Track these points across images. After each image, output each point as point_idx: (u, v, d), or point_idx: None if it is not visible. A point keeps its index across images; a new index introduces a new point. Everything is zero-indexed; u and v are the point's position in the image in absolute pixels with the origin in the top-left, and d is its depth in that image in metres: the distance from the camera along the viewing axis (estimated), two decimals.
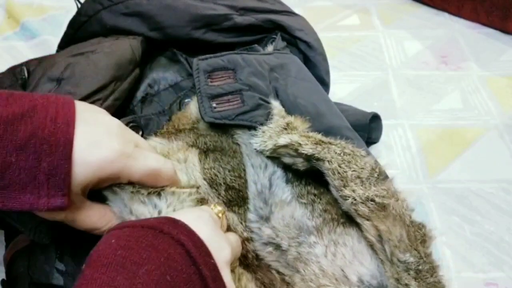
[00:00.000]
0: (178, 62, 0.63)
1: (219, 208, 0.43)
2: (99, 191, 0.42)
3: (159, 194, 0.43)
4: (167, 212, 0.42)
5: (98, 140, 0.38)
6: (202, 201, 0.46)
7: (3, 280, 0.48)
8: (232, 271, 0.41)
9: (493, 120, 0.74)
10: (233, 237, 0.43)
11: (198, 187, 0.47)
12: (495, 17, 0.92)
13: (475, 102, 0.78)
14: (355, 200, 0.43)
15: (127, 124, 0.53)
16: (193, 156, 0.48)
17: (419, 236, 0.42)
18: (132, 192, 0.42)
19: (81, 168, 0.37)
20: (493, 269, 0.55)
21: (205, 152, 0.50)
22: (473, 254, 0.57)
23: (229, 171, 0.48)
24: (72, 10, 0.70)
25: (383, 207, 0.43)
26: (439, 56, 0.88)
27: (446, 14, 0.99)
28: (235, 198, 0.47)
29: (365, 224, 0.43)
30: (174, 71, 0.63)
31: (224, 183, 0.47)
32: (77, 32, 0.64)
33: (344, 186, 0.44)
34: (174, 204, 0.43)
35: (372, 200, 0.43)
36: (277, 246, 0.46)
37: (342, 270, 0.43)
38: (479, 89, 0.80)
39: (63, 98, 0.39)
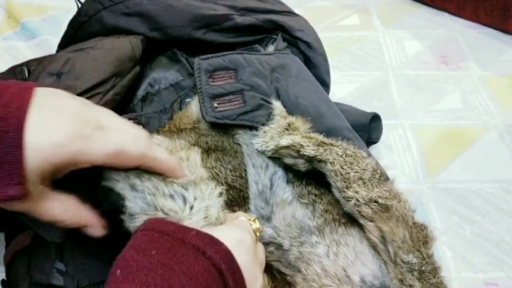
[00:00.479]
0: (178, 62, 0.64)
1: (258, 225, 0.42)
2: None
3: (182, 187, 0.41)
4: (199, 208, 0.40)
5: (50, 124, 0.36)
6: (230, 205, 0.46)
7: (3, 280, 0.48)
8: None
9: (493, 120, 0.74)
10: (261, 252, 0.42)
11: (227, 189, 0.46)
12: (495, 17, 0.92)
13: (475, 102, 0.78)
14: (358, 201, 0.43)
15: None
16: (195, 154, 0.48)
17: (421, 237, 0.42)
18: (149, 181, 0.40)
19: (33, 154, 0.34)
20: (493, 269, 0.55)
21: (207, 152, 0.50)
22: (473, 254, 0.57)
23: (230, 170, 0.48)
24: (72, 10, 0.70)
25: (386, 208, 0.43)
26: (439, 56, 0.88)
27: (446, 14, 0.99)
28: (236, 198, 0.47)
29: (368, 225, 0.43)
30: (174, 71, 0.63)
31: (225, 183, 0.47)
32: (77, 32, 0.65)
33: (347, 188, 0.44)
34: (201, 198, 0.41)
35: (375, 202, 0.43)
36: (279, 246, 0.46)
37: (344, 270, 0.43)
38: (479, 89, 0.80)
39: (23, 84, 0.37)
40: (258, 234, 0.41)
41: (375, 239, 0.43)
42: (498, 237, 0.58)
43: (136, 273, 0.30)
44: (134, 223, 0.39)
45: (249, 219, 0.41)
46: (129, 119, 0.54)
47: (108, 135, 0.38)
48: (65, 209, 0.39)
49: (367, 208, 0.43)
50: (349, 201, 0.43)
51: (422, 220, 0.59)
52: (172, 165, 0.42)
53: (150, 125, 0.55)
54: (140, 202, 0.39)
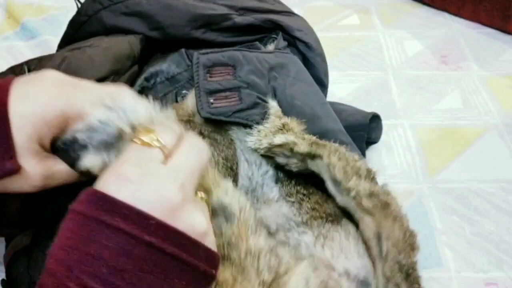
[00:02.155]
0: (176, 52, 0.63)
1: (152, 136, 0.35)
2: None
3: None
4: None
5: (33, 91, 0.37)
6: None
7: (3, 280, 0.48)
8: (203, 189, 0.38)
9: (493, 120, 0.74)
10: (184, 154, 0.36)
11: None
12: (495, 17, 0.92)
13: (475, 102, 0.78)
14: (359, 193, 0.43)
15: None
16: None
17: (411, 243, 0.42)
18: None
19: (23, 122, 0.35)
20: (493, 269, 0.55)
21: (201, 136, 0.50)
22: (473, 254, 0.57)
23: (222, 158, 0.49)
24: (72, 10, 0.70)
25: (386, 204, 0.43)
26: (439, 56, 0.88)
27: (446, 14, 0.99)
28: None
29: (366, 219, 0.43)
30: (171, 62, 0.62)
31: (215, 166, 0.47)
32: (77, 32, 0.65)
33: (347, 179, 0.44)
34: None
35: (377, 196, 0.43)
36: (265, 227, 0.46)
37: (329, 261, 0.43)
38: (479, 89, 0.80)
39: (5, 77, 0.38)
40: (156, 143, 0.35)
41: (369, 233, 0.43)
42: (498, 237, 0.58)
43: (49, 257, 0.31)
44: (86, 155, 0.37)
45: (137, 138, 0.36)
46: None
47: (89, 89, 0.39)
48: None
49: (368, 201, 0.43)
50: (349, 193, 0.43)
51: (422, 220, 0.60)
52: None
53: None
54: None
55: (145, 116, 0.37)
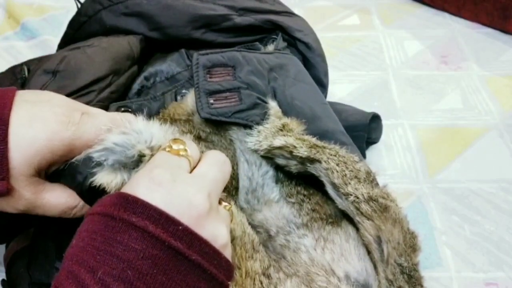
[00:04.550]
0: (176, 52, 0.63)
1: (180, 146, 0.37)
2: None
3: None
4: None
5: (40, 114, 0.36)
6: None
7: (3, 280, 0.48)
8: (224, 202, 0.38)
9: (493, 120, 0.74)
10: (208, 166, 0.37)
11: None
12: (495, 17, 0.92)
13: (475, 102, 0.78)
14: (358, 198, 0.43)
15: (118, 108, 0.53)
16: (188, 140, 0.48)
17: (412, 244, 0.42)
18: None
19: (25, 145, 0.35)
20: (493, 269, 0.55)
21: (198, 139, 0.50)
22: (473, 254, 0.57)
23: None
24: (72, 10, 0.70)
25: (385, 208, 0.43)
26: (439, 56, 0.88)
27: (446, 14, 0.99)
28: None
29: (365, 223, 0.43)
30: (171, 61, 0.62)
31: None
32: (77, 32, 0.65)
33: (346, 184, 0.44)
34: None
35: (375, 200, 0.43)
36: (266, 231, 0.46)
37: (330, 265, 0.43)
38: (479, 89, 0.80)
39: (4, 89, 0.38)
40: (183, 153, 0.36)
41: (370, 237, 0.43)
42: (498, 237, 0.58)
43: (64, 262, 0.30)
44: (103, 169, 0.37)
45: (167, 146, 0.37)
46: (120, 106, 0.54)
47: (97, 117, 0.39)
48: (70, 193, 0.39)
49: (367, 206, 0.43)
50: (348, 197, 0.43)
51: (422, 220, 0.60)
52: None
53: (141, 112, 0.55)
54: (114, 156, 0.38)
55: (160, 135, 0.38)
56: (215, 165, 0.37)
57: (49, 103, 0.38)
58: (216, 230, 0.33)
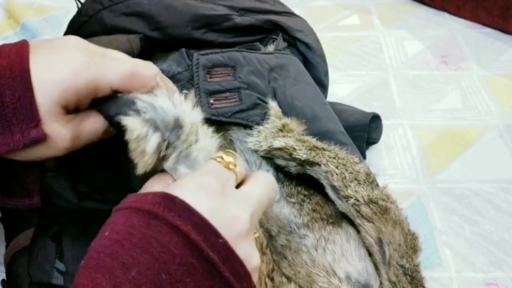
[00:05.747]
0: (176, 52, 0.63)
1: (230, 159, 0.36)
2: None
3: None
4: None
5: (59, 58, 0.36)
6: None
7: (3, 280, 0.48)
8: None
9: (493, 120, 0.74)
10: (257, 187, 0.36)
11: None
12: (495, 17, 0.92)
13: (475, 102, 0.78)
14: (358, 201, 0.43)
15: None
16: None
17: (413, 245, 0.42)
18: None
19: (49, 89, 0.35)
20: (493, 269, 0.55)
21: None
22: (473, 254, 0.57)
23: None
24: (72, 10, 0.70)
25: (385, 210, 0.43)
26: (439, 56, 0.88)
27: (446, 14, 0.99)
28: None
29: (366, 226, 0.43)
30: (171, 61, 0.62)
31: None
32: (77, 32, 0.64)
33: (346, 187, 0.44)
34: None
35: (375, 203, 0.43)
36: (267, 230, 0.46)
37: (331, 265, 0.43)
38: (479, 89, 0.80)
39: (17, 42, 0.38)
40: (233, 167, 0.36)
41: (371, 239, 0.43)
42: (498, 237, 0.58)
43: (89, 262, 0.29)
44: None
45: (219, 156, 0.36)
46: None
47: (119, 60, 0.39)
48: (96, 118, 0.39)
49: (367, 208, 0.43)
50: (348, 200, 0.43)
51: (422, 220, 0.60)
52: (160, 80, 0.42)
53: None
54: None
55: (198, 116, 0.38)
56: (264, 187, 0.37)
57: (64, 45, 0.38)
58: (251, 252, 0.33)
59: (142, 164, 0.35)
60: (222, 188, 0.33)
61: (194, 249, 0.29)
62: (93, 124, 0.39)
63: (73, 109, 0.38)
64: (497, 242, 0.58)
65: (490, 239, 0.58)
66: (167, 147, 0.35)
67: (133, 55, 0.60)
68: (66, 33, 0.66)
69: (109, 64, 0.38)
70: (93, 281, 0.27)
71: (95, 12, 0.63)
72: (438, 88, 0.81)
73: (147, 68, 0.39)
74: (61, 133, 0.37)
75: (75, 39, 0.39)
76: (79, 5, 0.66)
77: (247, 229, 0.32)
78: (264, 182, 0.37)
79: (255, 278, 0.33)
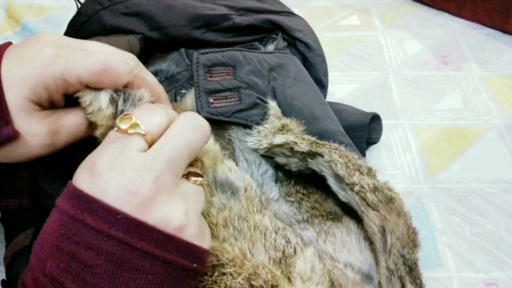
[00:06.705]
0: (176, 52, 0.63)
1: (124, 125, 0.34)
2: None
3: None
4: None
5: (28, 53, 0.36)
6: None
7: (3, 280, 0.48)
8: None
9: (493, 120, 0.74)
10: (170, 136, 0.34)
11: None
12: (495, 17, 0.92)
13: (475, 102, 0.78)
14: (364, 188, 0.43)
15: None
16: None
17: (413, 239, 0.42)
18: None
19: (18, 85, 0.35)
20: (493, 269, 0.55)
21: None
22: (473, 254, 0.57)
23: None
24: (72, 10, 0.70)
25: (390, 199, 0.43)
26: (439, 56, 0.88)
27: (446, 14, 0.99)
28: None
29: (370, 213, 0.43)
30: (171, 61, 0.62)
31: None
32: (77, 32, 0.65)
33: (350, 175, 0.44)
34: None
35: (381, 191, 0.43)
36: None
37: (332, 255, 0.43)
38: (479, 89, 0.80)
39: (2, 44, 0.38)
40: (133, 130, 0.34)
41: (374, 227, 0.43)
42: (498, 237, 0.58)
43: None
44: None
45: (117, 126, 0.34)
46: None
47: (92, 54, 0.37)
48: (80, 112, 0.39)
49: (373, 196, 0.42)
50: (352, 188, 0.43)
51: (422, 220, 0.60)
52: (159, 91, 0.42)
53: None
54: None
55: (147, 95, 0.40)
56: (182, 132, 0.34)
57: (37, 41, 0.37)
58: (166, 213, 0.31)
59: (100, 118, 0.37)
60: (111, 163, 0.31)
61: (95, 234, 0.30)
62: (73, 119, 0.38)
63: (48, 105, 0.38)
64: (497, 242, 0.58)
65: (490, 239, 0.58)
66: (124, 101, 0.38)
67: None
68: (66, 33, 0.66)
69: (79, 58, 0.37)
70: (23, 279, 0.31)
71: (94, 12, 0.63)
72: (438, 88, 0.81)
73: (121, 63, 0.38)
74: (34, 130, 0.36)
75: (48, 35, 0.38)
76: (79, 5, 0.66)
77: (150, 193, 0.31)
78: (180, 127, 0.35)
79: (186, 235, 0.32)
